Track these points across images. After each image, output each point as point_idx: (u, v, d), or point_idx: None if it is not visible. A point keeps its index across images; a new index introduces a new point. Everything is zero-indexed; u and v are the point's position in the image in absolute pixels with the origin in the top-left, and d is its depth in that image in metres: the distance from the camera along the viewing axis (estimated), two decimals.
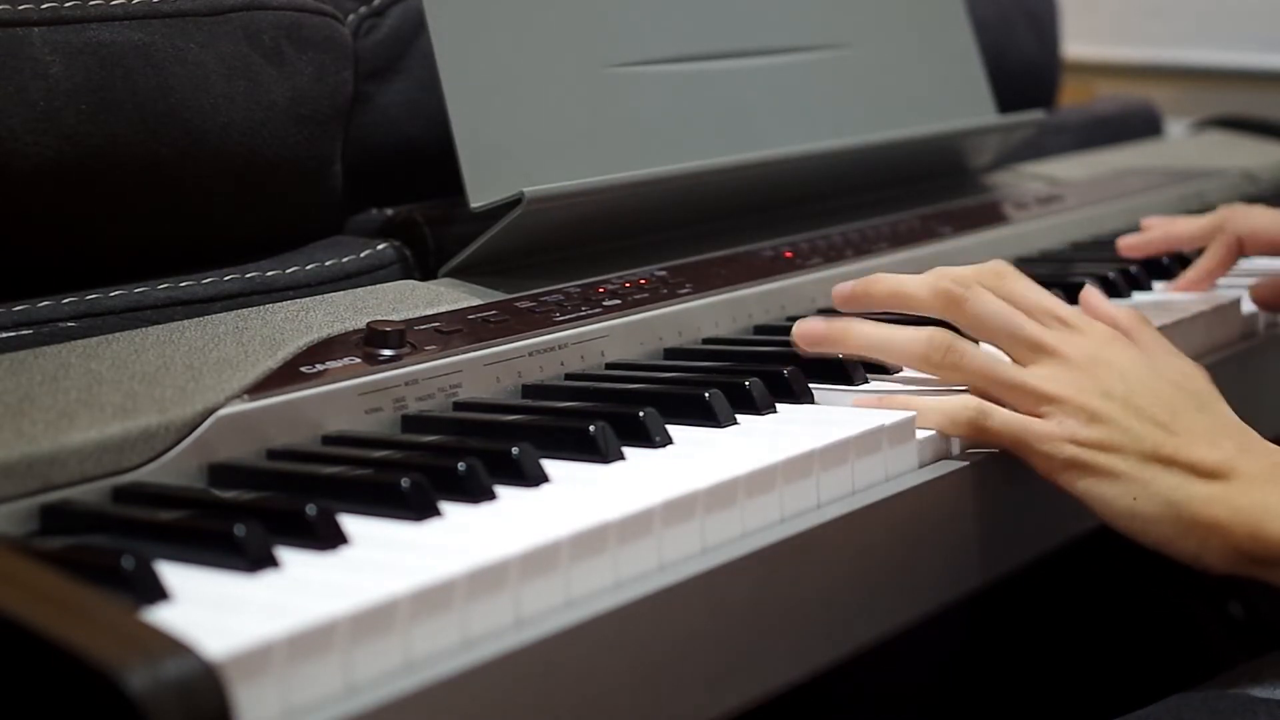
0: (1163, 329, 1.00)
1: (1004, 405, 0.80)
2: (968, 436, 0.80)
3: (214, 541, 0.60)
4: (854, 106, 1.18)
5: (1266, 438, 0.82)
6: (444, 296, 0.89)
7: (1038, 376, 0.80)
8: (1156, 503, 0.77)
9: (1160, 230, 1.14)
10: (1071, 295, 1.06)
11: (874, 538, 0.75)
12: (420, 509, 0.65)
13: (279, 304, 0.85)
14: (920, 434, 0.79)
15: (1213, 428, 0.80)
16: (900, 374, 0.88)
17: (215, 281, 0.88)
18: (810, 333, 0.85)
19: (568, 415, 0.77)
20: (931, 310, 0.84)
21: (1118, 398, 0.79)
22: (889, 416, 0.77)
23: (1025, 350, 0.82)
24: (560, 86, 0.98)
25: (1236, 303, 1.09)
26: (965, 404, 0.80)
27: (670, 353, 0.93)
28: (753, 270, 1.02)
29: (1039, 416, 0.79)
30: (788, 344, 0.93)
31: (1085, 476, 0.78)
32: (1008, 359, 0.82)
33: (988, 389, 0.81)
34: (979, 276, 0.84)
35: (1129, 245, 1.15)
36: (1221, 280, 1.14)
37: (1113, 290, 1.09)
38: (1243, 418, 0.83)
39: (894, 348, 0.83)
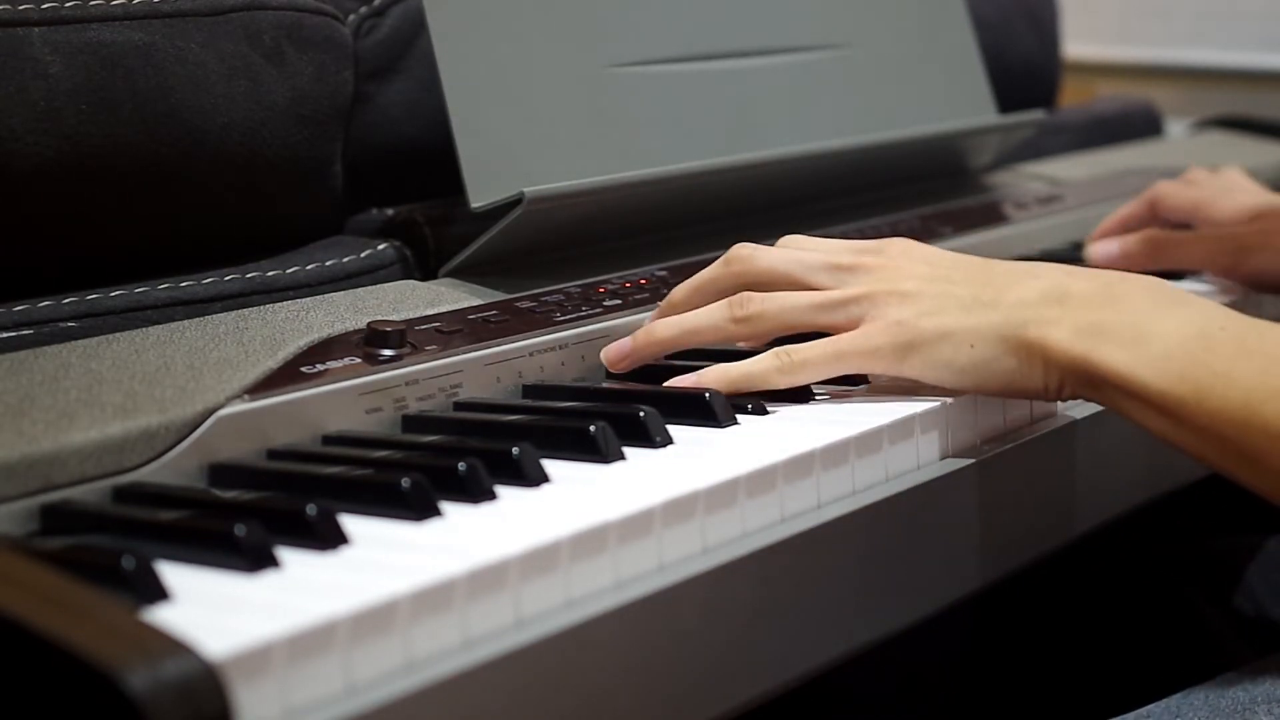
0: None
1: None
2: (775, 382, 0.80)
3: (214, 541, 0.60)
4: (854, 106, 1.18)
5: None
6: (444, 296, 0.89)
7: (846, 288, 0.80)
8: (991, 342, 0.77)
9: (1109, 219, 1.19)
10: None
11: (874, 538, 0.75)
12: (420, 509, 0.65)
13: (279, 304, 0.85)
14: (921, 434, 0.79)
15: (1029, 269, 0.80)
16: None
17: (215, 281, 0.88)
18: (616, 350, 0.86)
19: (568, 415, 0.77)
20: (725, 282, 0.83)
21: (924, 275, 0.79)
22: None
23: (828, 275, 0.81)
24: (560, 86, 0.98)
25: (1237, 303, 1.09)
26: (760, 357, 0.80)
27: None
28: None
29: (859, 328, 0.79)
30: None
31: (918, 351, 0.78)
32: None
33: (802, 322, 0.81)
34: (780, 242, 0.85)
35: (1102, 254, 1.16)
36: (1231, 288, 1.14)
37: None
38: None
39: (698, 324, 0.83)
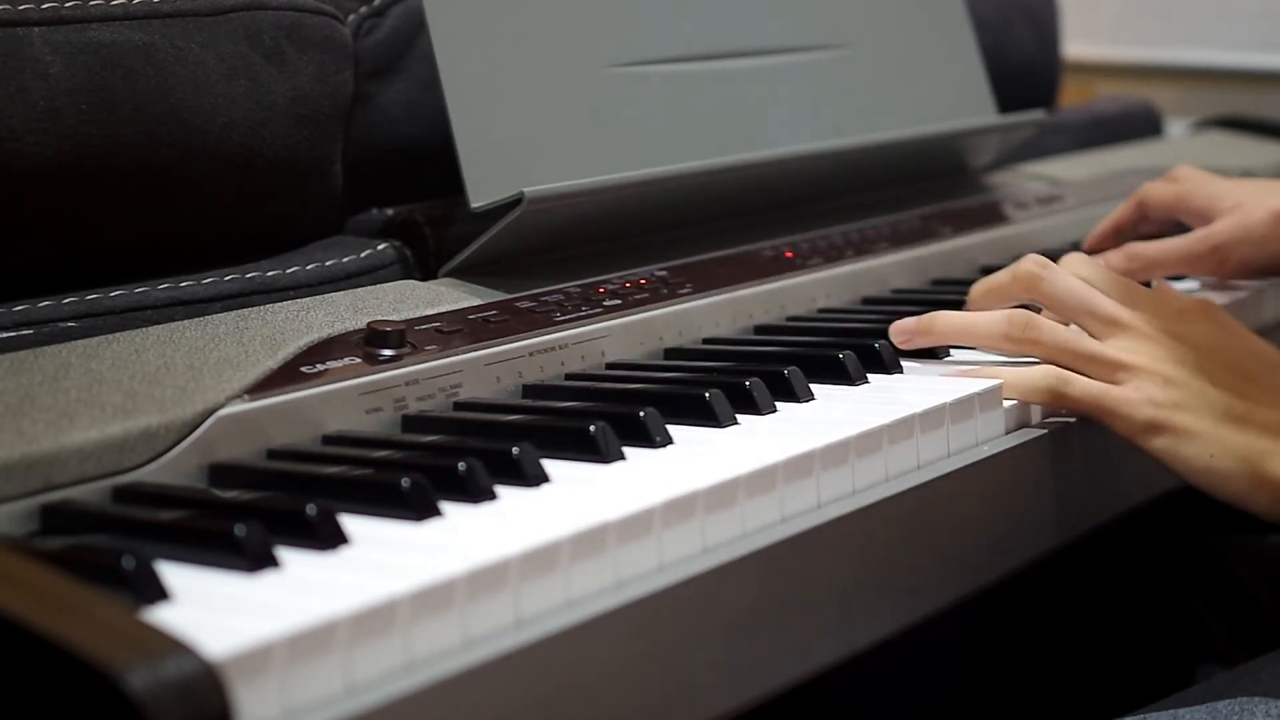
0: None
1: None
2: (1049, 404, 0.84)
3: (214, 541, 0.60)
4: (854, 106, 1.18)
5: None
6: (444, 296, 0.89)
7: (1115, 347, 0.84)
8: (1231, 460, 0.80)
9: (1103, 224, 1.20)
10: None
11: (875, 537, 0.75)
12: (420, 509, 0.65)
13: (279, 304, 0.85)
14: (920, 434, 0.79)
15: None
16: (902, 374, 0.88)
17: (215, 281, 0.88)
18: (901, 328, 0.90)
19: (568, 415, 0.77)
20: (1012, 292, 0.89)
21: (1191, 363, 0.83)
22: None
23: (1102, 325, 0.86)
24: (560, 86, 0.98)
25: (1237, 303, 1.09)
26: (1047, 373, 0.84)
27: (670, 353, 0.93)
28: (753, 270, 1.02)
29: (1116, 384, 0.83)
30: (788, 344, 0.93)
31: (1163, 436, 0.81)
32: (1084, 334, 0.86)
33: (1066, 361, 0.85)
34: (1063, 261, 0.90)
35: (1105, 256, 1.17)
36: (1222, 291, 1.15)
37: None
38: None
39: (977, 330, 0.87)
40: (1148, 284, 0.93)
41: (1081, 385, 0.83)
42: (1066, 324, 0.88)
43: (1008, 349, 0.87)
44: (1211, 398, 0.82)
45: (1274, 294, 1.11)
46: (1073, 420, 0.87)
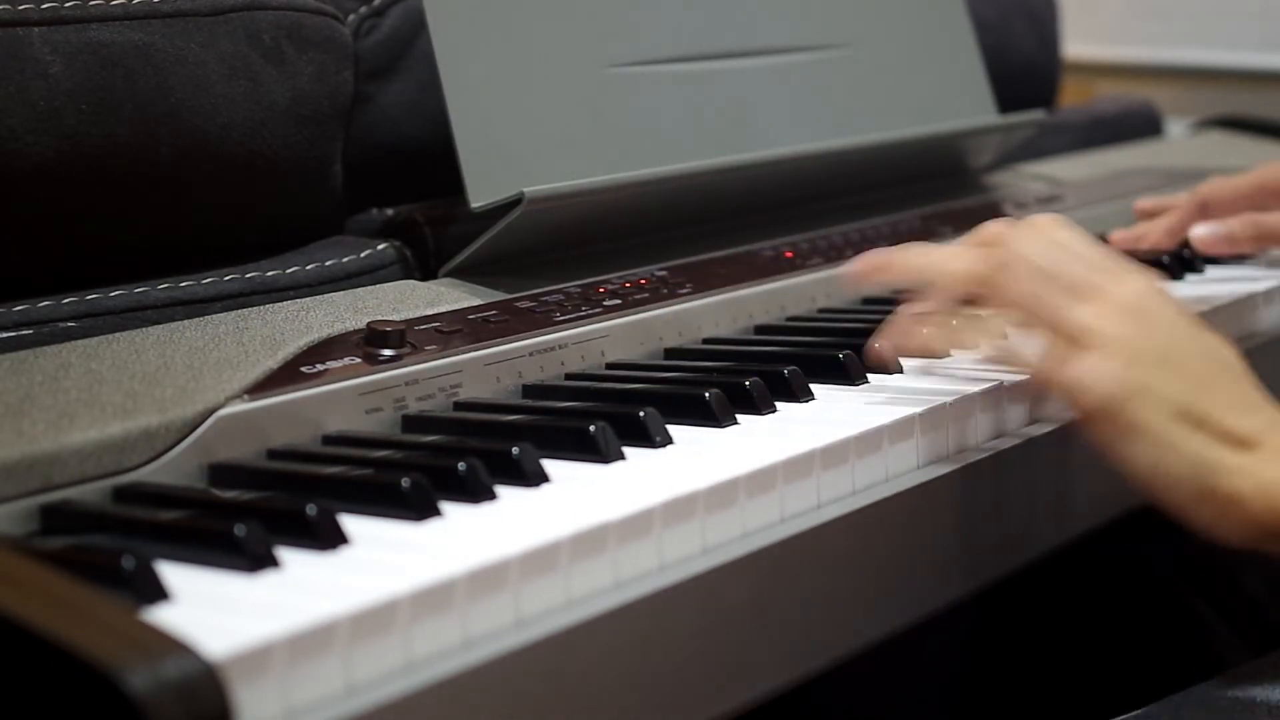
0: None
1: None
2: (1002, 361, 0.82)
3: (214, 541, 0.60)
4: (854, 106, 1.18)
5: None
6: (444, 296, 0.89)
7: (1082, 311, 0.78)
8: (1182, 466, 0.75)
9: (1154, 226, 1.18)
10: None
11: (874, 538, 0.75)
12: (421, 509, 0.65)
13: (279, 304, 0.85)
14: (921, 434, 0.79)
15: (1245, 398, 0.78)
16: (902, 375, 0.88)
17: (215, 281, 0.88)
18: (853, 269, 0.85)
19: (568, 415, 0.77)
20: (971, 259, 0.83)
21: (1157, 347, 0.78)
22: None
23: (1069, 290, 0.80)
24: (560, 86, 0.98)
25: (1239, 303, 1.09)
26: (1002, 342, 0.80)
27: (670, 353, 0.93)
28: (753, 270, 1.02)
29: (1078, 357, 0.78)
30: (788, 344, 0.93)
31: (1114, 427, 0.76)
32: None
33: (1030, 317, 0.80)
34: (1034, 220, 0.84)
35: (1117, 239, 1.18)
36: (1225, 281, 1.15)
37: None
38: None
39: (945, 264, 0.82)
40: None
41: (1038, 354, 0.79)
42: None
43: (973, 287, 0.81)
44: (1170, 392, 0.76)
45: (1253, 303, 1.11)
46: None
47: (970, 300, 0.84)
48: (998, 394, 0.84)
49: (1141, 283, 0.81)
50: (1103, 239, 1.23)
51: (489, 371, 0.83)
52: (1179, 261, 1.18)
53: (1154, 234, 1.19)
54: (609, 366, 0.89)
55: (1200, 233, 1.14)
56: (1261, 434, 0.76)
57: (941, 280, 0.83)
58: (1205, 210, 1.17)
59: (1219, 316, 1.09)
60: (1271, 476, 0.75)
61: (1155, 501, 0.77)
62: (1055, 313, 0.79)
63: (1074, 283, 0.79)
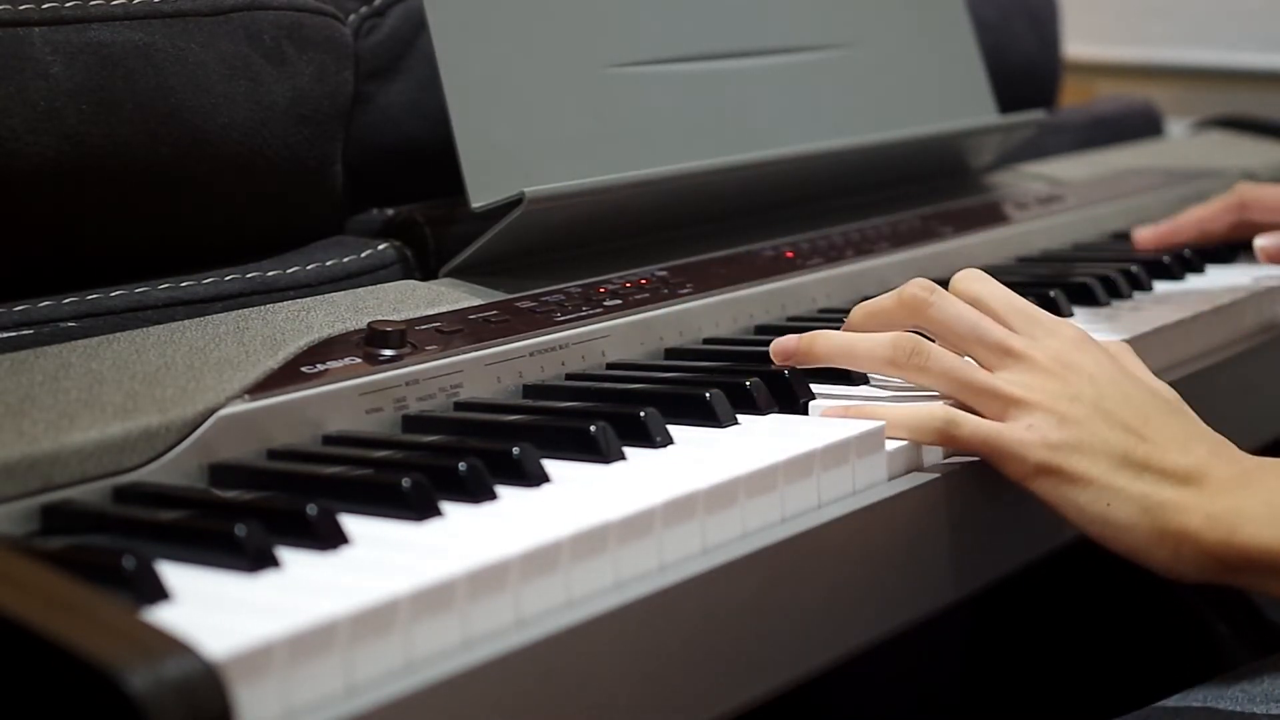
0: (1161, 330, 1.00)
1: (972, 411, 0.79)
2: (939, 444, 0.79)
3: (215, 541, 0.60)
4: (855, 106, 1.18)
5: (1265, 439, 0.81)
6: (445, 296, 0.89)
7: (1006, 380, 0.79)
8: (1129, 510, 0.76)
9: (1185, 218, 1.20)
10: (1073, 295, 1.06)
11: (875, 538, 0.75)
12: (421, 509, 0.65)
13: (280, 304, 0.85)
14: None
15: (1184, 432, 0.79)
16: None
17: (216, 281, 0.88)
18: (781, 348, 0.85)
19: (568, 415, 0.77)
20: (897, 317, 0.83)
21: (1087, 401, 0.78)
22: (856, 427, 0.76)
23: (993, 355, 0.80)
24: (560, 86, 0.98)
25: (1239, 303, 1.09)
26: (933, 413, 0.78)
27: (671, 353, 0.93)
28: (753, 270, 1.02)
29: (1007, 422, 0.78)
30: None
31: (1057, 483, 0.77)
32: (975, 364, 0.81)
33: (955, 393, 0.80)
34: (954, 280, 0.84)
35: (1145, 237, 1.19)
36: (1226, 281, 1.15)
37: (1113, 289, 1.09)
38: (1241, 419, 0.83)
39: (859, 352, 0.82)
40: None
41: (972, 425, 0.78)
42: (961, 355, 0.82)
43: (890, 374, 0.82)
44: (1109, 441, 0.76)
45: (1254, 303, 1.11)
46: None
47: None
48: None
49: (1064, 335, 0.81)
50: (1125, 237, 1.24)
51: (489, 371, 0.83)
52: (1179, 261, 1.18)
53: (1185, 229, 1.19)
54: (609, 366, 0.89)
55: (1265, 243, 1.14)
56: (1203, 466, 0.77)
57: (865, 369, 0.84)
58: (1244, 209, 1.17)
59: (1246, 306, 1.09)
60: (1219, 508, 0.75)
61: (1106, 547, 0.78)
62: (979, 385, 0.79)
63: (996, 348, 0.80)
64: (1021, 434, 0.77)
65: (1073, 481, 0.76)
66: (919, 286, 0.83)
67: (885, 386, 0.86)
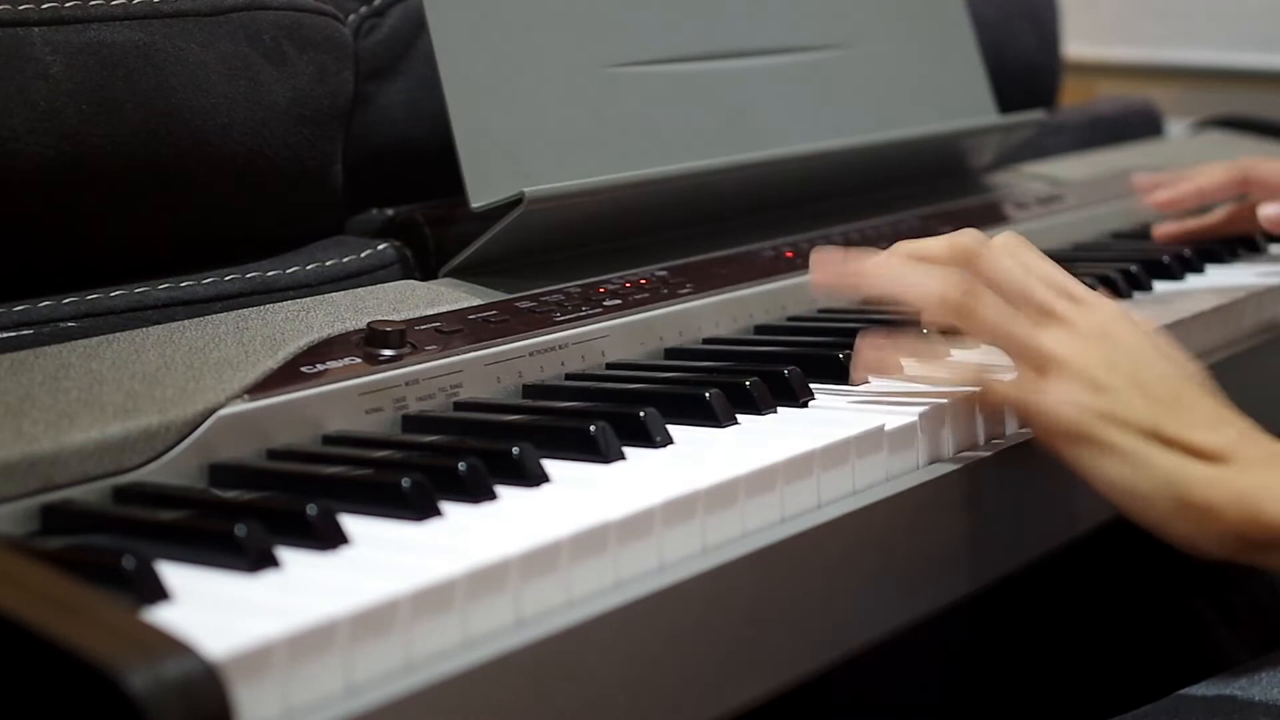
0: (1165, 329, 1.00)
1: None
2: (978, 385, 0.81)
3: (214, 541, 0.60)
4: (855, 106, 1.18)
5: None
6: (444, 296, 0.89)
7: (1049, 338, 0.79)
8: (1155, 482, 0.76)
9: (1186, 185, 1.20)
10: None
11: (875, 538, 0.75)
12: (421, 509, 0.65)
13: (279, 304, 0.85)
14: (922, 434, 0.79)
15: (1214, 412, 0.79)
16: (903, 375, 0.88)
17: (216, 281, 0.88)
18: (825, 262, 0.84)
19: (568, 415, 0.77)
20: (943, 263, 0.82)
21: (1123, 371, 0.78)
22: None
23: (1036, 314, 0.80)
24: (560, 86, 0.98)
25: (1238, 303, 1.10)
26: (968, 365, 0.81)
27: (671, 353, 0.93)
28: (753, 270, 1.02)
29: (1043, 382, 0.78)
30: (788, 344, 0.93)
31: (1086, 448, 0.77)
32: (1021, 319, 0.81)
33: (998, 342, 0.80)
34: (998, 241, 0.84)
35: (1165, 233, 1.22)
36: (1226, 281, 1.15)
37: (1114, 289, 1.09)
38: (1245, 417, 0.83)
39: (911, 282, 0.81)
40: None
41: (1009, 379, 0.79)
42: None
43: (937, 314, 0.81)
44: (1141, 412, 0.77)
45: (1254, 303, 1.11)
46: None
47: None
48: None
49: (1106, 307, 0.82)
50: (1125, 236, 1.25)
51: (489, 371, 0.83)
52: (1179, 261, 1.18)
53: (1187, 196, 1.21)
54: (609, 366, 0.89)
55: (1269, 212, 1.15)
56: (1232, 447, 0.77)
57: (913, 303, 0.82)
58: (1246, 184, 1.18)
59: (1246, 306, 1.09)
60: (1245, 485, 0.75)
61: (1132, 518, 0.78)
62: (1023, 340, 0.79)
63: (1040, 308, 0.80)
64: (1056, 394, 0.77)
65: (1101, 448, 0.77)
66: (971, 237, 0.83)
67: (885, 389, 0.86)
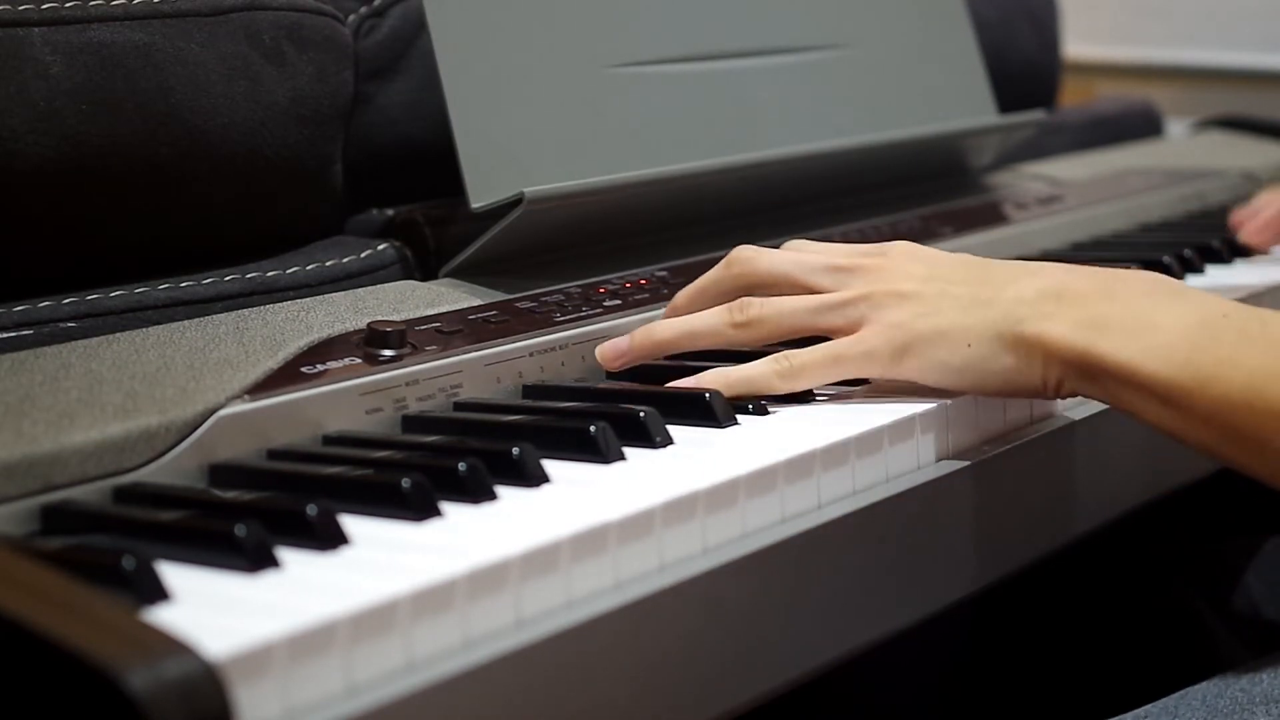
0: None
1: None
2: (777, 372, 0.80)
3: (214, 541, 0.60)
4: (855, 106, 1.18)
5: None
6: (444, 297, 0.89)
7: (842, 288, 0.79)
8: (989, 341, 0.76)
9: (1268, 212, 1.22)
10: None
11: (874, 538, 0.75)
12: (421, 509, 0.65)
13: (279, 304, 0.85)
14: (921, 434, 0.79)
15: (1029, 267, 0.79)
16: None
17: (216, 282, 0.88)
18: (612, 349, 0.86)
19: (568, 415, 0.77)
20: (726, 285, 0.84)
21: (919, 276, 0.79)
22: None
23: (826, 277, 0.81)
24: (560, 86, 0.98)
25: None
26: (762, 361, 0.80)
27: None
28: None
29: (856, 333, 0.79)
30: (788, 344, 0.93)
31: (918, 355, 0.77)
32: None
33: (800, 327, 0.80)
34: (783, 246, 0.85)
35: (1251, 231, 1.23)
36: (1226, 281, 1.15)
37: None
38: None
39: (699, 328, 0.82)
40: None
41: (806, 352, 0.79)
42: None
43: (737, 339, 0.82)
44: (952, 293, 0.77)
45: (1253, 303, 1.11)
46: (1075, 420, 0.87)
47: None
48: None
49: (894, 247, 0.82)
50: (1224, 216, 1.26)
51: (489, 371, 0.83)
52: (1179, 262, 1.18)
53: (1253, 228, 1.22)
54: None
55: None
56: (1061, 281, 0.77)
57: (701, 342, 0.83)
58: None
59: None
60: (1081, 315, 0.75)
61: (986, 393, 0.78)
62: (816, 304, 0.80)
63: (825, 268, 0.81)
64: (863, 334, 0.78)
65: (930, 343, 0.77)
66: (737, 252, 0.84)
67: (885, 389, 0.86)
